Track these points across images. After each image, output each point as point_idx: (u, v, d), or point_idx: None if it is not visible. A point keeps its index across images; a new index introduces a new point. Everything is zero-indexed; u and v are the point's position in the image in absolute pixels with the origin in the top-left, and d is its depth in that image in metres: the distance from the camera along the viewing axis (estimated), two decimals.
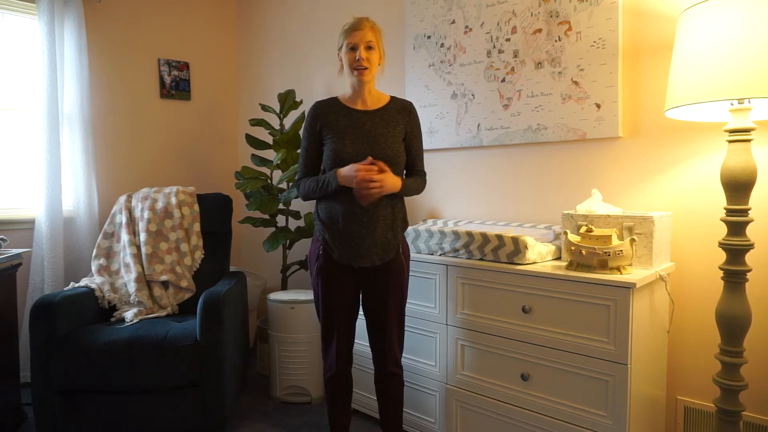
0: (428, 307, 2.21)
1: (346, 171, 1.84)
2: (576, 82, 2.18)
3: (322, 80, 3.35)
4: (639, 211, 1.98)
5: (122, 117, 3.45)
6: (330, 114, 1.96)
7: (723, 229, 1.89)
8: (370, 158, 1.83)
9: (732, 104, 1.59)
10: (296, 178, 2.06)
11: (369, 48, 1.89)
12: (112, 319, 2.55)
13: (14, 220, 3.03)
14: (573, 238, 1.84)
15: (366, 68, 1.89)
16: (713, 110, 1.74)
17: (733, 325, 1.62)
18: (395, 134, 1.94)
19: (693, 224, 1.96)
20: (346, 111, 1.96)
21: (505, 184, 2.48)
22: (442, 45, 2.64)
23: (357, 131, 1.92)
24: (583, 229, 1.84)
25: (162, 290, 2.74)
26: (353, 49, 1.89)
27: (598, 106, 2.12)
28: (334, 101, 2.00)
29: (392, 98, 2.02)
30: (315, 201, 2.04)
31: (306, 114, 2.04)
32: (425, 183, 2.07)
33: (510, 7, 2.36)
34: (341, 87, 3.09)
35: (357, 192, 1.82)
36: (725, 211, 1.63)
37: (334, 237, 1.91)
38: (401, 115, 1.98)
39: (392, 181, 1.86)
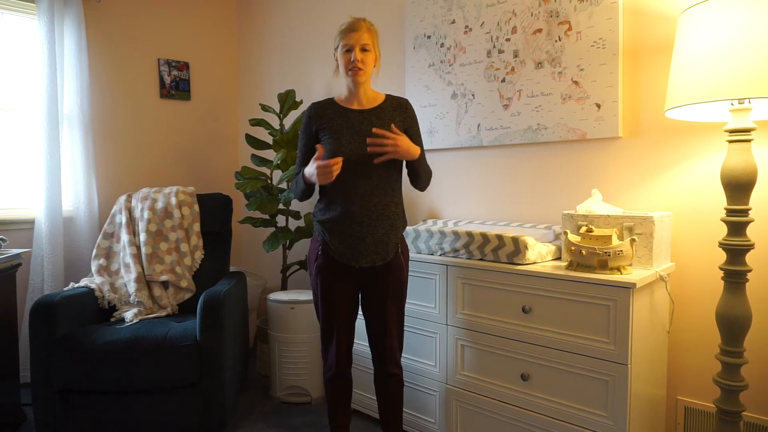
0: (428, 307, 2.21)
1: (308, 169, 1.88)
2: (576, 82, 2.18)
3: (322, 80, 3.35)
4: (639, 211, 1.98)
5: (122, 117, 3.45)
6: (326, 115, 1.97)
7: (723, 229, 1.89)
8: (341, 159, 1.82)
9: (732, 104, 1.59)
10: (293, 178, 2.07)
11: (364, 50, 1.89)
12: (112, 320, 2.55)
13: (14, 220, 3.03)
14: (573, 238, 1.84)
15: (361, 69, 1.89)
16: (713, 110, 1.74)
17: (733, 325, 1.62)
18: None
19: (693, 224, 1.96)
20: (342, 111, 1.96)
21: (505, 184, 2.48)
22: (442, 45, 2.64)
23: (353, 130, 1.92)
24: (583, 229, 1.84)
25: (162, 290, 2.74)
26: (349, 50, 1.89)
27: (598, 106, 2.12)
28: (330, 102, 2.00)
29: (388, 96, 2.02)
30: (315, 201, 2.04)
31: (302, 116, 2.05)
32: (430, 178, 2.07)
33: (510, 7, 2.36)
34: (340, 87, 3.09)
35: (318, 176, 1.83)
36: (725, 211, 1.62)
37: (334, 237, 1.91)
38: (397, 113, 1.98)
39: (408, 145, 1.86)
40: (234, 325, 2.53)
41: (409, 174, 2.01)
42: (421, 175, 1.99)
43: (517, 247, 1.93)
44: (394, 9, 2.89)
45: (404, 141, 1.85)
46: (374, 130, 1.83)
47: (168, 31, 3.63)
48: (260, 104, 3.22)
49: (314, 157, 1.85)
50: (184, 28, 3.71)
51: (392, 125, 1.86)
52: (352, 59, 1.88)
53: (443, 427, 2.19)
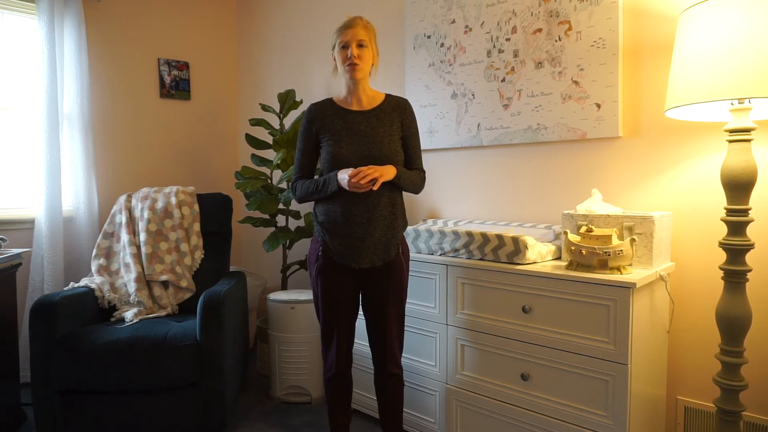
0: (428, 307, 2.21)
1: (341, 175, 1.84)
2: (576, 82, 2.18)
3: (322, 80, 3.35)
4: (639, 211, 1.98)
5: (122, 117, 3.45)
6: (325, 116, 1.96)
7: (723, 229, 1.89)
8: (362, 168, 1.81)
9: (732, 104, 1.59)
10: (292, 180, 2.06)
11: (361, 46, 1.89)
12: (112, 319, 2.54)
13: (14, 220, 3.03)
14: (573, 238, 1.84)
15: (357, 65, 1.89)
16: (713, 110, 1.74)
17: (733, 325, 1.62)
18: (391, 133, 1.94)
19: (693, 224, 1.96)
20: (341, 112, 1.96)
21: (505, 184, 2.48)
22: (442, 45, 2.64)
23: (353, 132, 1.92)
24: (583, 229, 1.84)
25: (162, 290, 2.74)
26: (345, 46, 1.89)
27: (598, 105, 2.12)
28: (328, 102, 2.00)
29: (387, 96, 2.01)
30: (313, 202, 2.03)
31: (302, 116, 2.04)
32: (424, 181, 2.06)
33: (510, 6, 2.36)
34: (340, 87, 3.09)
35: (352, 189, 1.82)
36: (725, 211, 1.62)
37: (334, 238, 1.91)
38: (396, 113, 1.98)
39: (387, 169, 1.86)
40: (234, 325, 2.53)
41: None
42: (406, 189, 1.98)
43: (517, 247, 1.93)
44: (394, 9, 2.89)
45: (381, 167, 1.83)
46: (349, 184, 1.80)
47: (168, 31, 3.63)
48: (260, 104, 3.22)
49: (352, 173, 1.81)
50: (184, 28, 3.71)
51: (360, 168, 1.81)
52: (348, 55, 1.88)
53: (443, 427, 2.19)
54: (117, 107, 3.42)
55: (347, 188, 1.82)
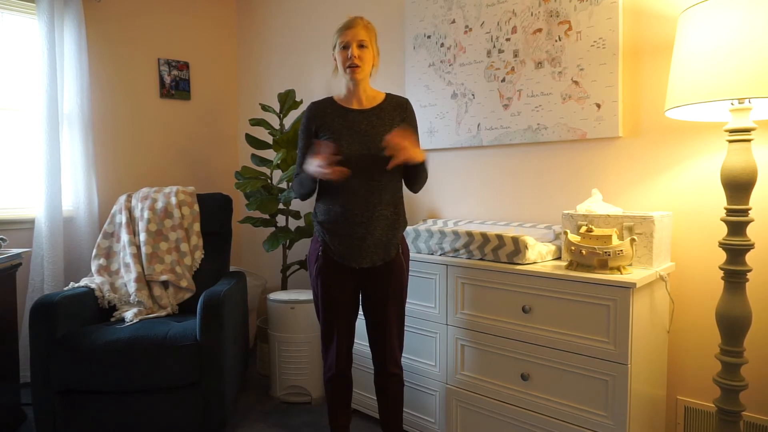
0: (428, 307, 2.21)
1: (310, 167, 1.82)
2: (576, 82, 2.18)
3: (322, 80, 3.35)
4: (639, 211, 1.98)
5: (122, 117, 3.45)
6: (326, 115, 1.96)
7: (723, 229, 1.89)
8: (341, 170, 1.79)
9: (732, 104, 1.59)
10: (293, 178, 2.06)
11: (361, 46, 1.88)
12: (112, 319, 2.54)
13: (14, 220, 3.03)
14: (573, 238, 1.84)
15: (358, 66, 1.88)
16: (713, 110, 1.74)
17: (733, 325, 1.62)
18: (392, 132, 1.94)
19: (693, 224, 1.96)
20: (341, 111, 1.96)
21: (505, 184, 2.48)
22: (442, 45, 2.64)
23: (353, 131, 1.92)
24: (583, 229, 1.84)
25: (162, 290, 2.74)
26: (345, 47, 1.89)
27: (598, 105, 2.12)
28: (329, 101, 2.00)
29: (387, 95, 2.01)
30: (314, 201, 2.04)
31: (302, 115, 2.04)
32: (427, 180, 2.07)
33: (510, 6, 2.36)
34: (340, 87, 3.09)
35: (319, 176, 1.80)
36: (725, 211, 1.62)
37: (334, 238, 1.91)
38: (397, 112, 1.98)
39: (417, 151, 1.81)
40: (234, 325, 2.53)
41: (406, 177, 2.00)
42: (420, 179, 1.98)
43: (517, 247, 1.93)
44: (394, 9, 2.89)
45: (409, 146, 1.80)
46: (387, 138, 1.77)
47: (168, 31, 3.63)
48: (260, 104, 3.22)
49: (315, 153, 1.79)
50: (184, 28, 3.71)
51: (398, 129, 1.80)
52: (349, 56, 1.88)
53: (443, 427, 2.19)
54: (117, 107, 3.42)
55: (316, 176, 1.82)
